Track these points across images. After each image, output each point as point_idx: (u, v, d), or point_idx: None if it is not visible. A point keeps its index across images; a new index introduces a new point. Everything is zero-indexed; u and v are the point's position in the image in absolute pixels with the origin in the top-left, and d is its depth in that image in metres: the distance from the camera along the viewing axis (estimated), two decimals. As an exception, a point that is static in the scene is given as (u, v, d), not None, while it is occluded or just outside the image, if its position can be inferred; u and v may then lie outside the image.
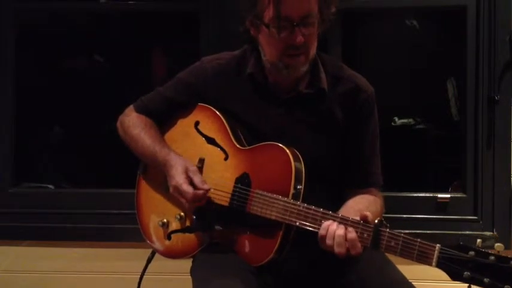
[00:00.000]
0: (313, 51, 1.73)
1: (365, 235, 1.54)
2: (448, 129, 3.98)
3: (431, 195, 2.61)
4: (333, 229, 1.55)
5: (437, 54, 4.02)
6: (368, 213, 1.56)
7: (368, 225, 1.54)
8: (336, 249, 1.54)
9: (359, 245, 1.54)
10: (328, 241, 1.55)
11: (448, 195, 2.61)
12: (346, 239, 1.53)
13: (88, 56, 3.87)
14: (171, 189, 1.75)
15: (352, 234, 1.54)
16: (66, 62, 3.78)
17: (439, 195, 2.60)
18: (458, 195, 2.61)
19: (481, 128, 2.53)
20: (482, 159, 2.53)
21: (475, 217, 2.56)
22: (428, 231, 2.49)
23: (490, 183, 2.53)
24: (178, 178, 1.72)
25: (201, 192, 1.70)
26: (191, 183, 1.72)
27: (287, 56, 1.69)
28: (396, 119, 4.29)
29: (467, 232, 2.51)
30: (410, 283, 1.68)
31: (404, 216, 2.55)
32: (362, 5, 2.76)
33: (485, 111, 2.53)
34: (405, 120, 4.28)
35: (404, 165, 3.73)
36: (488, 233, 2.50)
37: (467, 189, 2.58)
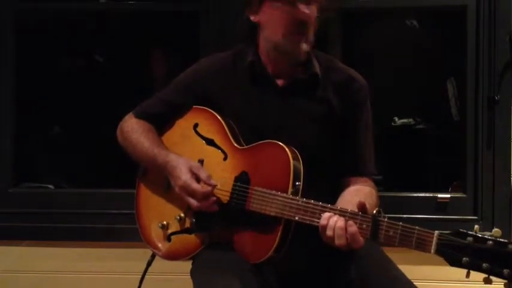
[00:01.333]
0: (312, 37, 1.77)
1: (364, 226, 1.54)
2: (448, 129, 3.97)
3: (431, 195, 2.61)
4: (333, 220, 1.55)
5: (437, 54, 4.02)
6: (364, 201, 1.56)
7: (366, 216, 1.54)
8: (337, 242, 1.54)
9: (360, 238, 1.54)
10: (329, 232, 1.55)
11: (448, 195, 2.61)
12: (346, 232, 1.54)
13: (88, 56, 3.87)
14: (177, 189, 1.75)
15: (352, 228, 1.53)
16: (66, 62, 3.77)
17: (439, 195, 2.60)
18: (458, 195, 2.61)
19: (481, 128, 2.53)
20: (482, 159, 2.53)
21: (475, 217, 2.55)
22: (428, 231, 2.49)
23: (490, 183, 2.53)
24: (185, 178, 1.73)
25: (210, 188, 1.71)
26: (197, 180, 1.73)
27: (293, 33, 1.73)
28: (396, 119, 4.28)
29: (467, 232, 2.51)
30: (410, 281, 1.68)
31: (404, 216, 2.54)
32: (362, 5, 2.75)
33: (485, 111, 2.53)
34: (405, 120, 4.27)
35: (404, 165, 3.74)
36: (488, 233, 2.49)
37: (467, 189, 2.58)
